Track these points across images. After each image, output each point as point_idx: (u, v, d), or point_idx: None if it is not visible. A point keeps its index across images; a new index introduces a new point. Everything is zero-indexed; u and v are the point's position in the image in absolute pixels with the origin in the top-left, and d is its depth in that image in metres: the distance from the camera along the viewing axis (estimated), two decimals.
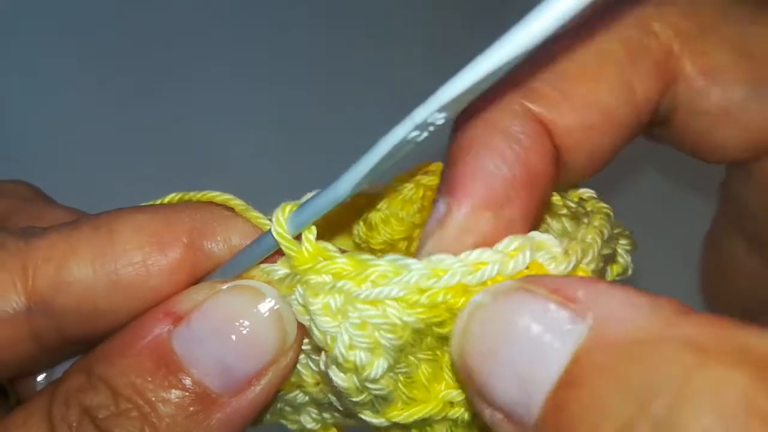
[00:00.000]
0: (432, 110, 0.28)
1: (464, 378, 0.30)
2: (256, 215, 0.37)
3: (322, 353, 0.35)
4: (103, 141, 0.97)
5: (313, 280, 0.34)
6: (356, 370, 0.33)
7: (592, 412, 0.25)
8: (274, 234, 0.34)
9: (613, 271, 0.40)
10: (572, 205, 0.40)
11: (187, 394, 0.34)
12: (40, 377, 0.40)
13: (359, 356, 0.33)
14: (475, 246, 0.33)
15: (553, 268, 0.33)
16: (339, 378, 0.34)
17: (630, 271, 0.40)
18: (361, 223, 0.45)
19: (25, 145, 0.95)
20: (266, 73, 1.04)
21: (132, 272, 0.36)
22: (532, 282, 0.29)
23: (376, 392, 0.35)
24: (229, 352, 0.35)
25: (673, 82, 0.37)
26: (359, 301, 0.33)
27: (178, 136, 0.98)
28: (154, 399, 0.34)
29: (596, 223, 0.37)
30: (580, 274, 0.34)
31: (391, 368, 0.34)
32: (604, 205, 0.40)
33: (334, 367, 0.34)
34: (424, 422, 0.37)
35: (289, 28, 1.07)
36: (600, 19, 0.27)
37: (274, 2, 1.09)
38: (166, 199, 0.40)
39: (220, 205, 0.38)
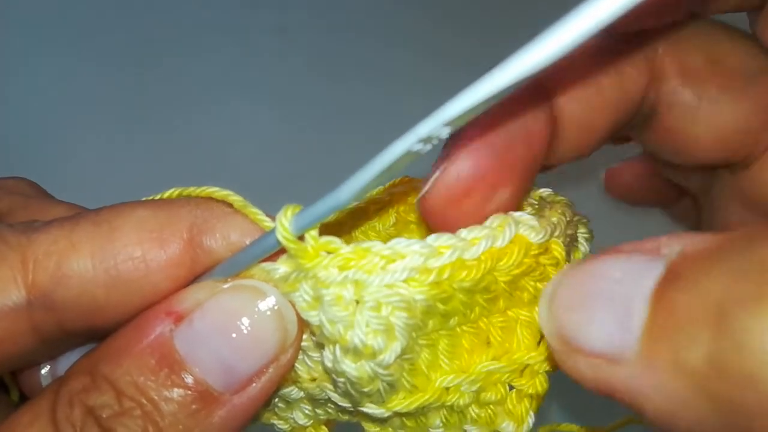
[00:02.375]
0: (437, 125, 0.28)
1: (556, 340, 0.30)
2: (254, 211, 0.37)
3: (327, 349, 0.36)
4: (103, 141, 0.96)
5: (321, 273, 0.34)
6: (373, 354, 0.34)
7: (693, 291, 0.25)
8: (279, 236, 0.34)
9: (574, 257, 0.43)
10: (534, 202, 0.44)
11: (190, 392, 0.34)
12: (44, 370, 0.41)
13: (377, 341, 0.34)
14: (469, 190, 0.36)
15: (533, 237, 0.37)
16: (352, 368, 0.35)
17: None
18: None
19: (25, 143, 0.94)
20: (268, 75, 1.04)
21: (131, 267, 0.36)
22: (612, 249, 0.29)
23: (386, 379, 0.35)
24: (231, 350, 0.35)
25: (656, 80, 0.42)
26: (372, 286, 0.34)
27: (178, 136, 0.98)
28: (156, 398, 0.34)
29: (559, 209, 0.41)
30: (554, 246, 0.38)
31: (403, 352, 0.35)
32: (563, 197, 0.44)
33: (346, 358, 0.35)
34: (422, 411, 0.38)
35: (290, 32, 1.06)
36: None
37: (275, 6, 1.07)
38: (166, 194, 0.39)
39: (220, 201, 0.38)
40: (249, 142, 0.99)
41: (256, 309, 0.36)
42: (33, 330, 0.36)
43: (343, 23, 1.10)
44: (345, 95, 1.03)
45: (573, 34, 0.24)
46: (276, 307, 0.36)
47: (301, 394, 0.40)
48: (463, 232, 0.36)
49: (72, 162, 0.93)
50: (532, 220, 0.37)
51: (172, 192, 0.40)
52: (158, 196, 0.39)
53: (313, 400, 0.40)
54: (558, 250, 0.38)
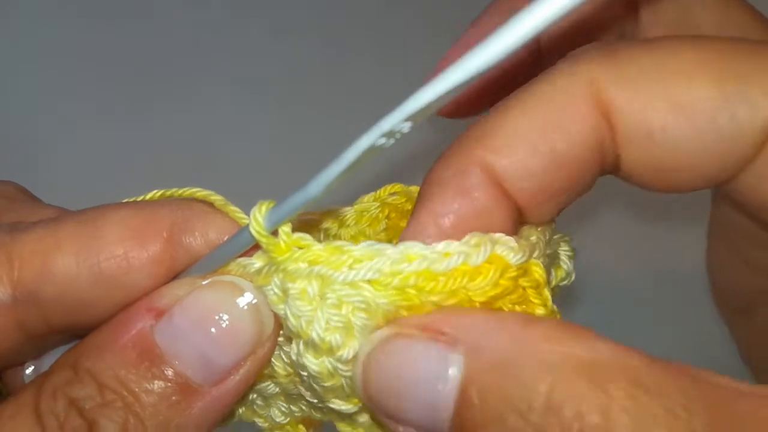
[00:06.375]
0: (397, 120, 0.29)
1: (374, 404, 0.35)
2: (233, 209, 0.39)
3: (294, 343, 0.37)
4: (98, 144, 0.97)
5: (291, 267, 0.35)
6: (331, 351, 0.35)
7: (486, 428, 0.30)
8: (252, 231, 0.35)
9: (557, 275, 0.42)
10: None
11: (170, 384, 0.36)
12: (29, 370, 0.42)
13: (335, 337, 0.35)
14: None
15: (512, 258, 0.36)
16: (312, 363, 0.36)
17: (573, 277, 0.43)
18: (331, 239, 0.47)
19: (15, 145, 0.95)
20: (263, 79, 1.04)
21: (114, 265, 0.37)
22: (404, 325, 0.34)
23: (346, 374, 0.36)
24: (209, 344, 0.36)
25: (613, 121, 0.36)
26: (336, 283, 0.35)
27: (174, 138, 0.98)
28: (137, 390, 0.35)
29: (538, 228, 0.40)
30: (534, 268, 0.37)
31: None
32: None
33: (307, 353, 0.36)
34: None
35: (286, 35, 1.07)
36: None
37: (271, 9, 1.08)
38: (149, 196, 0.41)
39: (200, 200, 0.39)
40: (246, 140, 0.99)
41: (234, 304, 0.37)
42: (18, 326, 0.37)
43: (341, 23, 1.11)
44: (343, 94, 1.03)
45: (523, 27, 0.25)
46: (253, 302, 0.37)
47: (277, 389, 0.41)
48: (439, 246, 0.35)
49: (60, 165, 0.93)
50: (511, 241, 0.36)
51: (154, 193, 0.41)
52: (140, 198, 0.41)
53: (288, 396, 0.41)
54: (538, 272, 0.37)
